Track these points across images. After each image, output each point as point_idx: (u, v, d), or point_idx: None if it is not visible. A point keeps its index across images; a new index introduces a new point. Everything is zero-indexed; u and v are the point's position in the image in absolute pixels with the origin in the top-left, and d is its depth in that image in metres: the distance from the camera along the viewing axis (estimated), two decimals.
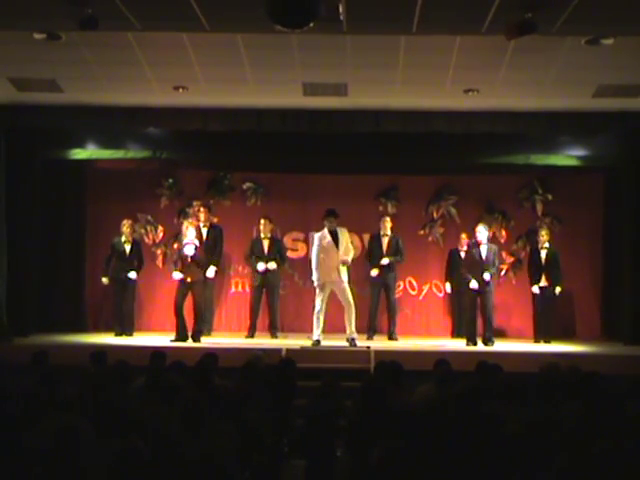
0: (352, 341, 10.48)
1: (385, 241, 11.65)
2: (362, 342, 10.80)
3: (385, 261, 11.51)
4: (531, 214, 12.63)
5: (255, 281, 11.79)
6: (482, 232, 11.03)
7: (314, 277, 10.61)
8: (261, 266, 11.56)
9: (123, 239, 11.73)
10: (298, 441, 6.79)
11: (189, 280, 10.97)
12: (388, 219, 11.79)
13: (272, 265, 11.60)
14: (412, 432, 4.99)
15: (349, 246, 10.68)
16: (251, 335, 11.58)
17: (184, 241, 11.15)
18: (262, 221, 11.80)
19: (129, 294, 11.79)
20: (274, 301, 11.81)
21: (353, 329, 10.54)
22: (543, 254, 11.72)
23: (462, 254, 11.81)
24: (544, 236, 11.78)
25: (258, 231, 11.91)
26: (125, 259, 11.72)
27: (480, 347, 10.73)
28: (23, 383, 6.48)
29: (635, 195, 11.55)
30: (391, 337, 11.51)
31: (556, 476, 4.34)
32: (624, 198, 11.82)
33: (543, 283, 11.65)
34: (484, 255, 10.93)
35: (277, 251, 11.80)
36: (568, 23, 7.35)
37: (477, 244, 11.03)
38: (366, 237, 12.20)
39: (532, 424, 5.07)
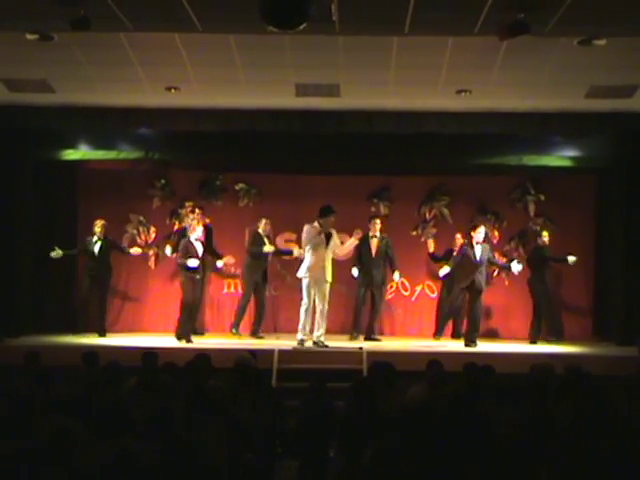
0: (319, 343, 10.42)
1: (374, 242, 11.61)
2: (347, 343, 10.93)
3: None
4: (523, 215, 12.66)
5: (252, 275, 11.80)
6: (482, 233, 11.00)
7: (302, 271, 10.45)
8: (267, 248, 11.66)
9: (95, 239, 11.67)
10: (291, 442, 6.79)
11: (197, 277, 10.95)
12: (378, 221, 11.71)
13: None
14: (404, 433, 4.99)
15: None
16: (236, 331, 11.58)
17: (192, 236, 11.04)
18: (264, 220, 11.80)
19: (103, 293, 11.78)
20: (261, 298, 11.79)
21: (322, 331, 10.45)
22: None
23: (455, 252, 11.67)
24: (546, 236, 11.83)
25: (257, 227, 11.85)
26: (95, 258, 11.66)
27: (472, 348, 10.73)
28: (15, 384, 6.46)
29: (627, 196, 11.58)
30: (367, 337, 11.43)
31: (549, 477, 4.35)
32: (616, 199, 11.87)
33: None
34: (478, 256, 10.93)
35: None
36: (560, 24, 7.36)
37: (471, 245, 11.00)
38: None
39: (524, 425, 5.08)
